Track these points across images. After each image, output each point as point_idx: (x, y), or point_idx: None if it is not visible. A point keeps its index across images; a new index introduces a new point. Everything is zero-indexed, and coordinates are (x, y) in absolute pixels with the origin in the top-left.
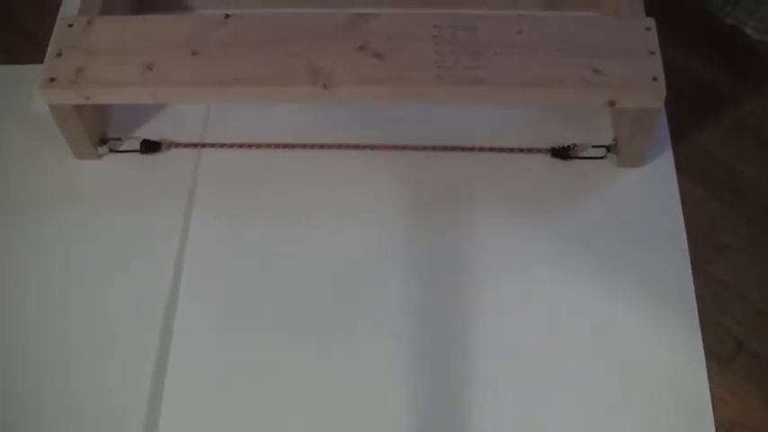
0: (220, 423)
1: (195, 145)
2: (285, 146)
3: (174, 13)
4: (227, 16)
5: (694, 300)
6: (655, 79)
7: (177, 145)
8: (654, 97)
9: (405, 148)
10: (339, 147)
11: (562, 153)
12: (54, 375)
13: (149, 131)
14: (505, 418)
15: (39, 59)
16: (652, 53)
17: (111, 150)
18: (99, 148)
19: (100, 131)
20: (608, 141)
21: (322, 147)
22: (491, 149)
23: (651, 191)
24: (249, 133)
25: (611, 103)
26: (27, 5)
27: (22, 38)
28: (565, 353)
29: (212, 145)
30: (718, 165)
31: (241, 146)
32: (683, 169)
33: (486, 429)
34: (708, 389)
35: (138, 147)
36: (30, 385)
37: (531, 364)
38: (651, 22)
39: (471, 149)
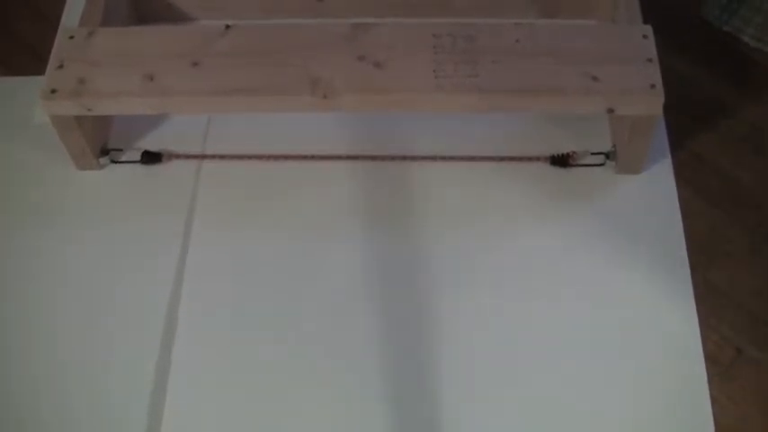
0: (222, 428)
1: (196, 156)
2: (285, 156)
3: (175, 24)
4: (228, 27)
5: (694, 306)
6: (653, 86)
7: (178, 156)
8: (652, 104)
9: (405, 157)
10: (339, 157)
11: (561, 161)
12: (55, 384)
13: (150, 142)
14: (509, 415)
15: (38, 71)
16: (650, 60)
17: (113, 161)
18: (100, 159)
19: (101, 142)
20: (607, 148)
21: (322, 157)
22: (490, 158)
23: (650, 198)
24: (249, 144)
25: (610, 111)
26: (26, 18)
27: (22, 50)
28: (563, 360)
29: (213, 156)
30: (716, 172)
31: (241, 156)
32: (681, 177)
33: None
34: (708, 396)
35: (139, 157)
36: (29, 392)
37: (528, 371)
38: (648, 29)
39: (471, 159)
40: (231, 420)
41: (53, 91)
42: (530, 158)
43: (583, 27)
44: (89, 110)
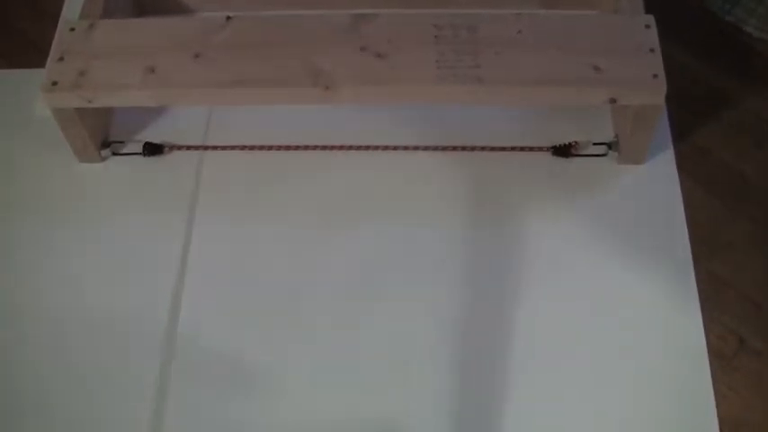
0: (224, 425)
1: (197, 147)
2: (287, 147)
3: (176, 16)
4: (229, 18)
5: (697, 298)
6: (655, 76)
7: (180, 147)
8: (654, 94)
9: (406, 148)
10: (341, 148)
11: (563, 151)
12: (56, 378)
13: (152, 134)
14: (514, 413)
15: (39, 64)
16: (652, 50)
17: (114, 153)
18: (102, 152)
19: (102, 134)
20: (609, 139)
21: (324, 148)
22: (492, 149)
23: (652, 188)
24: (251, 135)
25: (612, 101)
26: (26, 11)
27: (22, 43)
28: (566, 352)
29: (214, 147)
30: (719, 163)
31: (243, 148)
32: (684, 168)
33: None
34: (711, 387)
35: (140, 149)
36: (29, 391)
37: (533, 363)
38: (651, 19)
39: (473, 149)
40: (233, 419)
41: (54, 83)
42: (532, 148)
43: (585, 17)
44: (90, 102)
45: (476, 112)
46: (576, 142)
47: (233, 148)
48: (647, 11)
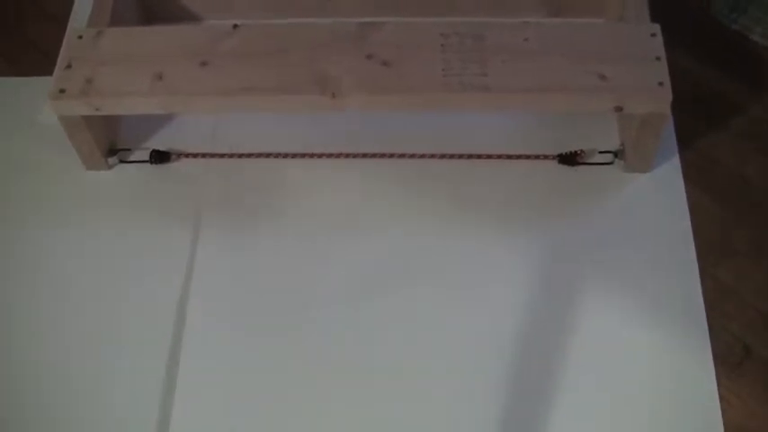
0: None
1: (204, 155)
2: (294, 155)
3: (183, 24)
4: (236, 26)
5: (702, 304)
6: (661, 84)
7: (187, 155)
8: (660, 102)
9: (413, 155)
10: (348, 155)
11: (569, 159)
12: (59, 387)
13: (159, 142)
14: (519, 420)
15: (46, 71)
16: (658, 59)
17: (121, 161)
18: (109, 159)
19: (110, 142)
20: (615, 147)
21: (330, 155)
22: (498, 156)
23: (658, 196)
24: (258, 143)
25: (618, 109)
26: (33, 17)
27: (30, 49)
28: (572, 358)
29: (221, 155)
30: (725, 171)
31: (250, 155)
32: (690, 175)
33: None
34: (717, 393)
35: (147, 157)
36: (33, 390)
37: (537, 369)
38: (657, 28)
39: (479, 157)
40: (238, 420)
41: (61, 91)
42: (537, 157)
43: (591, 26)
44: (97, 109)
45: (482, 120)
46: (581, 150)
47: (240, 155)
48: (653, 19)
